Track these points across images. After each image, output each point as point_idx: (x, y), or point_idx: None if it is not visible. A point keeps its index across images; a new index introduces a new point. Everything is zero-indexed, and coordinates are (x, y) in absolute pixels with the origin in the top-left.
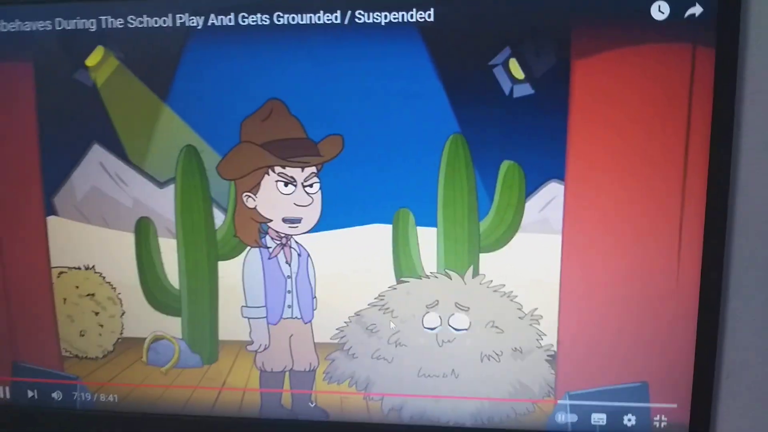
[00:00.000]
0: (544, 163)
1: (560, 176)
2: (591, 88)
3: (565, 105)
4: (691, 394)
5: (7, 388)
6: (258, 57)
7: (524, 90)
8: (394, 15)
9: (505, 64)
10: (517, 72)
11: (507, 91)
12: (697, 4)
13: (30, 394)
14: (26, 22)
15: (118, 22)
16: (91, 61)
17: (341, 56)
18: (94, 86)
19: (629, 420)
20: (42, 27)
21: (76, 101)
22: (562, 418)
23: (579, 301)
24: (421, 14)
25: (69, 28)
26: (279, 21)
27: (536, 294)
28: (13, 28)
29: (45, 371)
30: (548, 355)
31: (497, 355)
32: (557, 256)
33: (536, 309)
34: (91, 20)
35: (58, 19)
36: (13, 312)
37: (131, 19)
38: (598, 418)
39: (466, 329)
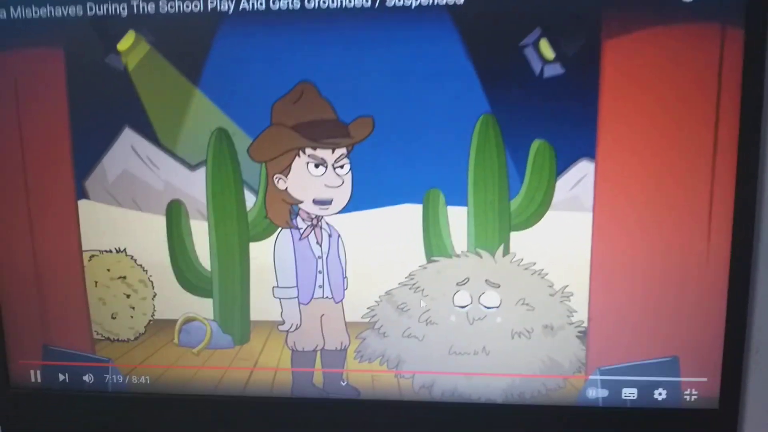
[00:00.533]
0: (575, 141)
1: (591, 154)
2: (621, 67)
3: (595, 84)
4: (721, 367)
5: (38, 372)
6: (288, 40)
7: (555, 70)
8: None
9: (536, 45)
10: (548, 52)
11: (537, 71)
12: None
13: (61, 377)
14: (57, 8)
15: (149, 7)
16: (122, 45)
17: (371, 39)
18: (125, 70)
19: (660, 394)
20: (73, 12)
21: (108, 86)
22: (593, 393)
23: (609, 277)
24: None
25: (100, 12)
26: (309, 5)
27: (567, 271)
28: (44, 13)
29: (76, 354)
30: (579, 332)
31: (528, 332)
32: (588, 233)
33: (567, 286)
34: (122, 4)
35: (89, 3)
36: (44, 295)
37: (163, 3)
38: (629, 393)
39: (496, 307)
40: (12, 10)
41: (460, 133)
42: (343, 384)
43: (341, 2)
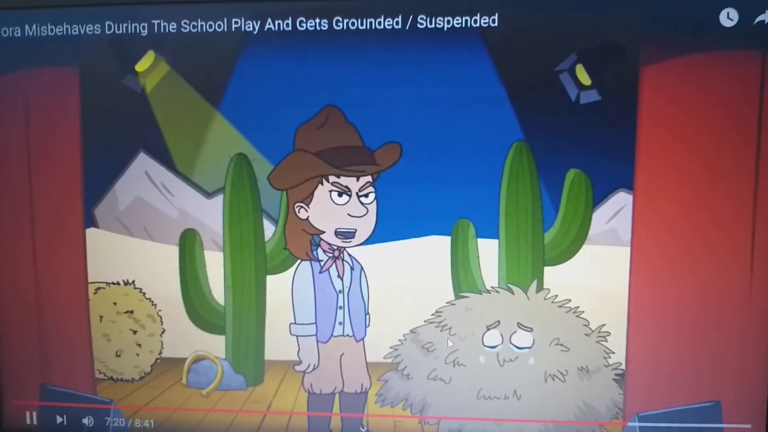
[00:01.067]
0: (612, 171)
1: (629, 185)
2: (660, 94)
3: (633, 112)
4: (767, 413)
5: (34, 413)
6: (314, 63)
7: (591, 96)
8: (457, 20)
9: (572, 70)
10: (584, 78)
11: (573, 98)
12: (767, 11)
13: (59, 419)
14: (74, 26)
15: (170, 26)
16: (141, 66)
17: (400, 62)
18: (143, 92)
19: None
20: (90, 31)
21: (123, 108)
22: None
23: (649, 316)
24: (485, 19)
25: (119, 32)
26: (337, 26)
27: (604, 309)
28: (60, 32)
29: (76, 395)
30: (616, 374)
31: (562, 374)
32: (626, 269)
33: (604, 325)
34: (142, 24)
35: (107, 22)
36: (45, 329)
37: (184, 23)
38: None
39: (529, 347)
40: (27, 28)
41: (491, 161)
42: (363, 430)
43: (371, 24)
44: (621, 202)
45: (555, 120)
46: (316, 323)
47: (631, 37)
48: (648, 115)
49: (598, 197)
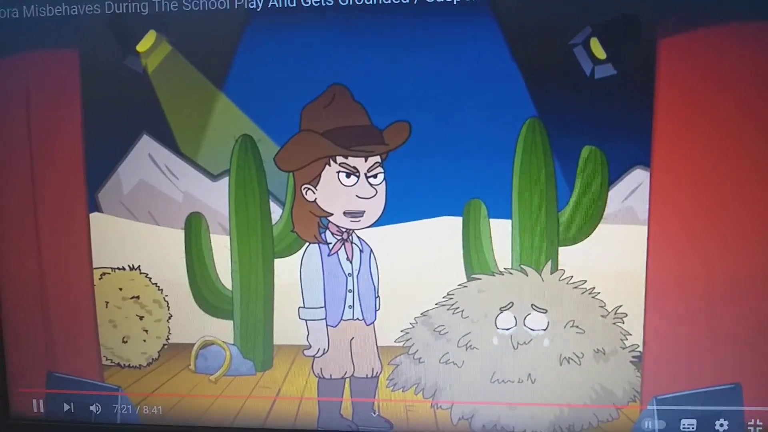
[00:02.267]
0: (628, 148)
1: (645, 162)
2: (678, 67)
3: (650, 86)
4: None
5: (41, 401)
6: (320, 40)
7: (606, 71)
8: None
9: (586, 44)
10: (599, 52)
11: (588, 72)
12: None
13: (66, 407)
14: (73, 6)
15: (172, 4)
16: (142, 46)
17: (408, 38)
18: (144, 73)
19: (721, 425)
20: (90, 11)
21: (125, 89)
22: (648, 424)
23: (666, 297)
24: None
25: (119, 11)
26: (344, 2)
27: (620, 290)
28: (59, 12)
29: (83, 382)
30: (633, 357)
31: (578, 357)
32: (643, 248)
33: (620, 306)
34: (143, 2)
35: (107, 1)
36: (51, 317)
37: (186, 1)
38: (688, 424)
39: (543, 330)
40: (24, 9)
41: (503, 139)
42: (375, 415)
43: None
44: (638, 179)
45: (569, 95)
46: (325, 307)
47: (647, 6)
48: (666, 89)
49: (614, 175)
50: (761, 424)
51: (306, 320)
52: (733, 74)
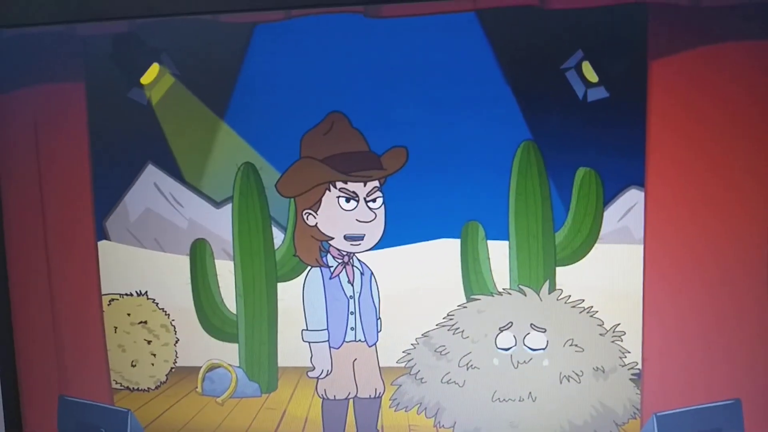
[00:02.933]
0: (622, 168)
1: (640, 182)
2: (670, 88)
3: (642, 107)
4: None
5: (53, 424)
6: (318, 70)
7: (599, 93)
8: None
9: (578, 68)
10: (591, 75)
11: (581, 95)
12: None
13: (77, 430)
14: (78, 41)
15: (174, 38)
16: (146, 78)
17: (404, 65)
18: (149, 104)
19: None
20: (95, 45)
21: (130, 120)
22: None
23: (664, 314)
24: None
25: (124, 46)
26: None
27: (618, 309)
28: (65, 49)
29: (93, 405)
30: (633, 374)
31: (577, 375)
32: (639, 267)
33: (618, 324)
34: (146, 37)
35: (112, 36)
36: (62, 342)
37: (189, 34)
38: None
39: (543, 349)
40: (32, 45)
41: (499, 161)
42: None
43: None
44: (633, 199)
45: (562, 118)
46: (328, 329)
47: (638, 29)
48: (657, 109)
49: (609, 195)
50: None
51: (309, 342)
52: (725, 94)
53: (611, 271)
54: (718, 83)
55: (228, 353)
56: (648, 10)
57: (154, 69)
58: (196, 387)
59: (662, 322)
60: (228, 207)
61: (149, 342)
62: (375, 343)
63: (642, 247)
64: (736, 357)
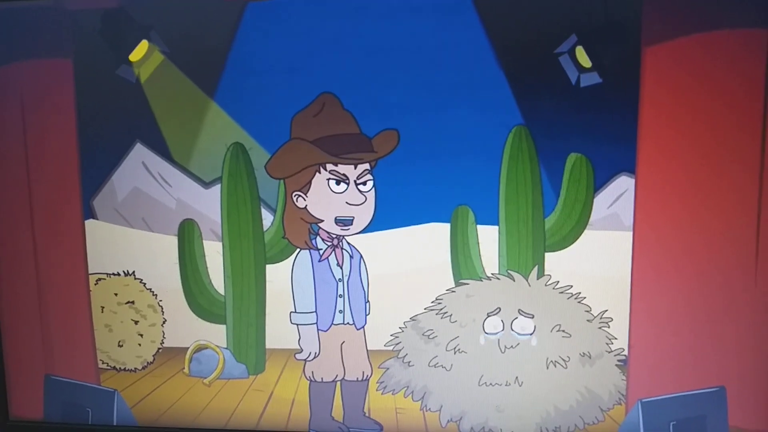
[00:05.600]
0: (614, 155)
1: (630, 169)
2: (663, 75)
3: (635, 93)
4: None
5: (39, 404)
6: (309, 50)
7: (592, 79)
8: None
9: (572, 52)
10: (585, 60)
11: (573, 80)
12: None
13: (64, 409)
14: (66, 16)
15: (164, 15)
16: (134, 56)
17: (397, 47)
18: (137, 82)
19: (706, 427)
20: (83, 21)
21: (119, 98)
22: (633, 426)
23: (651, 301)
24: None
25: (113, 22)
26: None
27: (606, 295)
28: (53, 24)
29: (80, 385)
30: (619, 360)
31: (564, 360)
32: (628, 254)
33: (606, 311)
34: (136, 13)
35: (100, 12)
36: (48, 322)
37: (178, 11)
38: (673, 426)
39: (530, 334)
40: (20, 20)
41: (490, 146)
42: (365, 417)
43: None
44: (623, 186)
45: (555, 103)
46: (316, 312)
47: (632, 15)
48: (650, 96)
49: (600, 182)
50: (745, 426)
51: (297, 325)
52: (718, 81)
53: (600, 258)
54: (711, 71)
55: (216, 334)
56: None
57: (143, 46)
58: (183, 368)
59: (649, 309)
60: (217, 187)
61: (136, 322)
62: (363, 326)
63: (631, 234)
64: (722, 345)
